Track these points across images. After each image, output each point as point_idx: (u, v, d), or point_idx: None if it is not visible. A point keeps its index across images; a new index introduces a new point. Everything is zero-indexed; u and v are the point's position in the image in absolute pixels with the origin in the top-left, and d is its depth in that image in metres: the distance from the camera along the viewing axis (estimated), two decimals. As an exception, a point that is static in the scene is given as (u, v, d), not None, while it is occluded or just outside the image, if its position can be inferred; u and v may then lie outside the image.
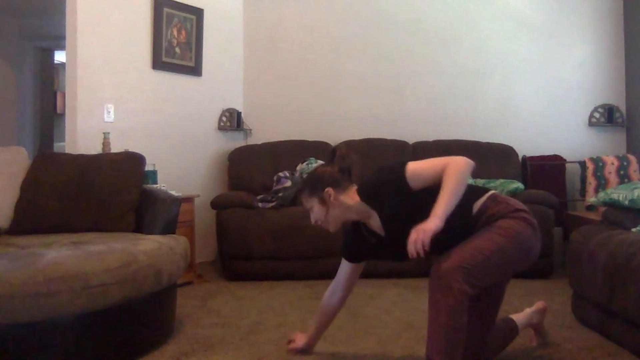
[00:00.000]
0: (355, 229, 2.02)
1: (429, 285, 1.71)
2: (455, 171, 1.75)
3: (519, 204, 1.87)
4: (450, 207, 1.72)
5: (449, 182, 1.74)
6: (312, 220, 1.99)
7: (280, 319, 2.73)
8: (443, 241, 1.74)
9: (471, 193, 1.85)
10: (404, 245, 1.74)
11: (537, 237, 1.84)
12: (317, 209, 1.94)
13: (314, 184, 1.95)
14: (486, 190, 1.91)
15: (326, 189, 1.90)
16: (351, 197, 1.93)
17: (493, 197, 1.86)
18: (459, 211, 1.77)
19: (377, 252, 1.99)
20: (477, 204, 1.84)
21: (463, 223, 1.81)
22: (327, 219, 1.94)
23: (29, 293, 1.81)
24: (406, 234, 1.74)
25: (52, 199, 2.68)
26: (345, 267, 2.11)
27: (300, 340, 2.23)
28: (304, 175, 3.96)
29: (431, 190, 1.78)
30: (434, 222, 1.70)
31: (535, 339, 2.29)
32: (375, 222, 1.92)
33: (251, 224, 3.60)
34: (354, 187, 1.96)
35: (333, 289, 2.15)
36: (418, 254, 1.69)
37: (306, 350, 2.22)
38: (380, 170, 1.97)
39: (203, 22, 4.28)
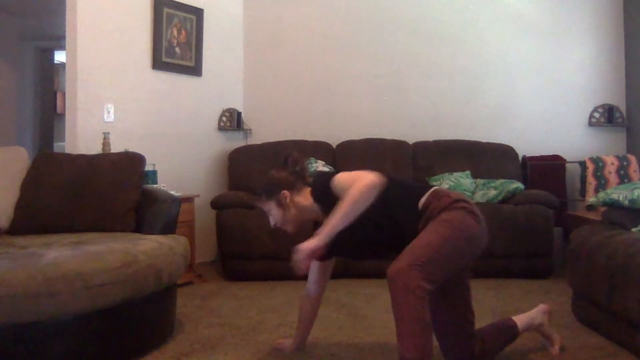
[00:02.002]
0: (315, 228, 2.05)
1: (389, 290, 1.70)
2: (355, 192, 1.78)
3: (459, 195, 1.92)
4: (337, 228, 1.78)
5: (343, 204, 1.79)
6: (272, 223, 2.05)
7: (280, 319, 2.73)
8: (396, 243, 1.83)
9: (414, 192, 1.93)
10: (355, 243, 1.90)
11: (480, 224, 1.87)
12: (274, 211, 2.01)
13: (270, 188, 2.01)
14: (429, 187, 1.97)
15: (282, 192, 1.98)
16: (305, 198, 2.00)
17: (435, 193, 1.91)
18: (405, 212, 1.87)
19: (335, 250, 2.03)
20: (421, 202, 1.89)
21: (410, 222, 1.87)
22: (285, 220, 2.01)
23: (29, 293, 1.81)
24: (352, 234, 1.84)
25: (52, 199, 2.67)
26: (313, 266, 2.17)
27: (286, 344, 2.26)
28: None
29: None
30: (313, 242, 1.78)
31: (549, 344, 2.25)
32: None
33: (251, 224, 3.60)
34: (308, 189, 2.02)
35: (307, 290, 2.23)
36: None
37: (297, 348, 2.24)
38: (321, 175, 2.09)
39: (203, 22, 4.28)
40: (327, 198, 1.89)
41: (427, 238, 1.77)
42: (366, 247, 1.99)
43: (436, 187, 1.96)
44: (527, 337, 2.32)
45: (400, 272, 1.68)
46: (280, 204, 1.99)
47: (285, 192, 1.98)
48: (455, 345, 1.98)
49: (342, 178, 1.88)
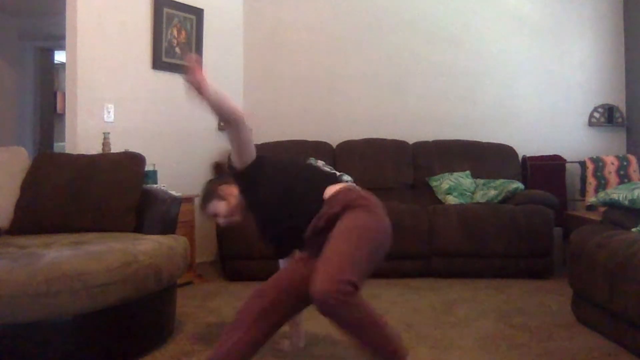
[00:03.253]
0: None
1: (324, 314, 1.60)
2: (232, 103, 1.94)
3: (362, 192, 1.92)
4: (211, 94, 1.92)
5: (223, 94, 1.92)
6: (221, 222, 2.10)
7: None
8: (299, 222, 1.88)
9: (326, 178, 2.00)
10: (265, 221, 2.02)
11: (381, 220, 1.84)
12: (220, 207, 2.06)
13: (208, 193, 2.11)
14: (340, 180, 2.01)
15: (218, 187, 2.07)
16: (235, 187, 2.07)
17: (348, 187, 1.93)
18: (311, 192, 1.92)
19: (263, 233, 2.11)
20: (330, 190, 1.91)
21: (313, 202, 1.89)
22: (231, 210, 2.05)
23: (29, 293, 1.81)
24: (265, 214, 1.98)
25: (52, 199, 2.67)
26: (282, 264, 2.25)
27: (286, 344, 2.27)
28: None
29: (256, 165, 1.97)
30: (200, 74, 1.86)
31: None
32: None
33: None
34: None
35: None
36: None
37: (295, 347, 2.24)
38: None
39: (203, 22, 4.28)
40: (234, 174, 1.99)
41: (343, 248, 1.68)
42: (274, 225, 2.01)
43: (349, 183, 2.01)
44: (528, 336, 2.32)
45: (330, 293, 1.55)
46: (221, 197, 2.05)
47: (222, 186, 2.06)
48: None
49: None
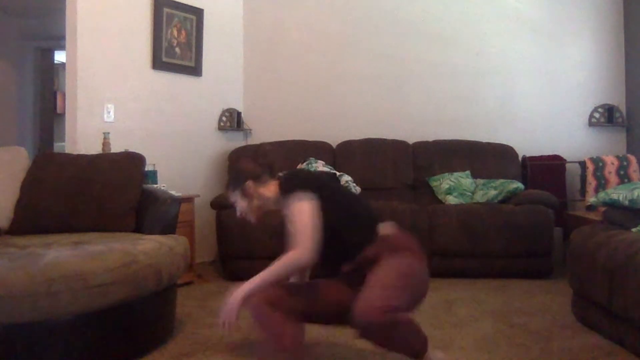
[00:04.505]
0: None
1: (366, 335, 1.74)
2: (284, 262, 1.82)
3: (407, 241, 1.98)
4: (257, 288, 1.83)
5: (275, 266, 1.83)
6: (238, 214, 2.09)
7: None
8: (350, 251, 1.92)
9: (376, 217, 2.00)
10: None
11: (423, 269, 1.94)
12: (240, 201, 2.04)
13: (236, 179, 2.05)
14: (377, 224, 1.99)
15: (247, 182, 2.01)
16: (270, 190, 2.03)
17: (400, 231, 2.00)
18: (368, 226, 1.95)
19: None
20: (384, 229, 1.97)
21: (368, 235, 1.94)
22: (248, 210, 2.04)
23: (29, 293, 1.81)
24: None
25: (52, 199, 2.67)
26: None
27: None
28: (304, 175, 3.95)
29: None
30: (242, 290, 1.83)
31: None
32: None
33: (251, 223, 3.59)
34: (275, 181, 2.05)
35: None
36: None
37: None
38: (298, 175, 2.10)
39: (203, 22, 4.28)
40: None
41: (389, 276, 1.78)
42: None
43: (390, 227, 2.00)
44: (532, 339, 2.32)
45: (374, 319, 1.67)
46: (245, 194, 2.02)
47: (250, 183, 2.01)
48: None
49: (295, 217, 1.86)
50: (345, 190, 2.25)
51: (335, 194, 1.98)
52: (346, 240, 1.92)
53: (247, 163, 2.18)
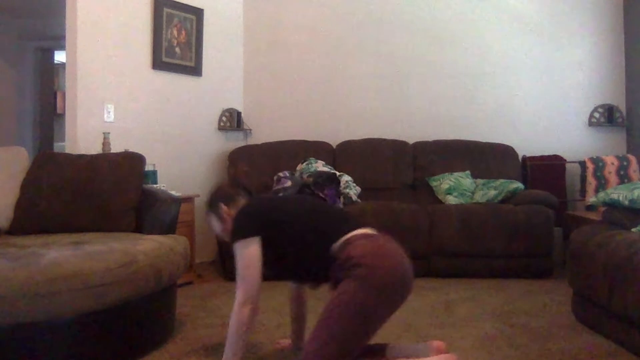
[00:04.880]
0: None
1: None
2: (231, 328, 1.89)
3: (362, 253, 1.77)
4: (235, 353, 1.86)
5: (228, 341, 1.89)
6: (215, 234, 2.14)
7: (280, 319, 2.73)
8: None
9: (325, 238, 1.85)
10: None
11: (372, 292, 1.71)
12: (215, 223, 2.09)
13: (211, 202, 2.10)
14: (347, 229, 1.86)
15: (220, 205, 2.04)
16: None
17: (357, 244, 1.80)
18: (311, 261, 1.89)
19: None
20: (334, 248, 1.82)
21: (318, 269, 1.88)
22: (223, 232, 2.07)
23: (29, 293, 1.81)
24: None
25: (52, 199, 2.67)
26: None
27: (286, 344, 2.28)
28: (304, 176, 3.96)
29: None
30: None
31: None
32: None
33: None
34: (245, 201, 2.07)
35: (290, 290, 2.27)
36: None
37: (296, 347, 2.24)
38: (247, 214, 1.98)
39: (203, 22, 4.28)
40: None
41: (325, 328, 1.70)
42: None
43: (350, 236, 1.83)
44: (529, 337, 2.32)
45: None
46: (219, 217, 2.05)
47: (222, 206, 2.03)
48: None
49: (237, 263, 1.87)
50: (302, 208, 2.00)
51: (284, 227, 1.89)
52: (306, 267, 1.93)
53: (224, 186, 2.22)
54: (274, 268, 1.96)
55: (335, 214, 2.05)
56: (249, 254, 1.86)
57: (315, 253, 1.87)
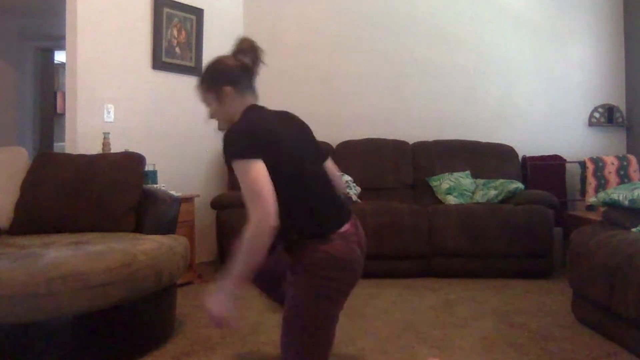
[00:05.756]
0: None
1: None
2: (246, 243, 1.58)
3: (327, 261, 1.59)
4: (242, 276, 1.63)
5: (238, 254, 1.63)
6: (208, 116, 1.89)
7: (280, 319, 2.72)
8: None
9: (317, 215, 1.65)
10: None
11: (322, 301, 1.60)
12: (213, 104, 1.83)
13: (213, 79, 1.83)
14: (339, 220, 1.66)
15: (223, 87, 1.80)
16: (242, 104, 1.81)
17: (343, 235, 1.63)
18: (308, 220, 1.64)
19: None
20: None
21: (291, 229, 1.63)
22: (219, 116, 1.84)
23: (29, 293, 1.81)
24: None
25: (52, 199, 2.67)
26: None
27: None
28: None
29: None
30: (218, 302, 1.63)
31: None
32: None
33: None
34: (249, 98, 1.84)
35: None
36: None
37: None
38: (235, 130, 1.66)
39: (203, 22, 4.28)
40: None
41: (283, 337, 1.63)
42: None
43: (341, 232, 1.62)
44: (528, 336, 2.32)
45: None
46: (219, 99, 1.80)
47: (227, 89, 1.79)
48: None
49: (241, 181, 1.54)
50: (314, 175, 1.77)
51: (282, 159, 1.63)
52: (288, 211, 1.58)
53: (229, 61, 1.90)
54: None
55: (338, 203, 1.76)
56: (255, 167, 1.53)
57: (302, 222, 1.63)
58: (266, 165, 1.56)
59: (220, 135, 4.53)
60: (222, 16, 4.51)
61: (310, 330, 1.61)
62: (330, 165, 1.94)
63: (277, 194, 1.54)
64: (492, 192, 3.86)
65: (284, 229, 1.57)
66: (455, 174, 4.14)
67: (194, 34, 4.22)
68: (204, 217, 4.01)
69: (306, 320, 1.61)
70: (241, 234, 1.57)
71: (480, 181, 4.10)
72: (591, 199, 2.84)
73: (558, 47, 4.55)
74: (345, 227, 1.66)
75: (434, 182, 4.18)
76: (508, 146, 4.35)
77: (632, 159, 4.10)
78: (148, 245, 2.28)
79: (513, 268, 3.59)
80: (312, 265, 1.59)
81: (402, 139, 4.44)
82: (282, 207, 1.54)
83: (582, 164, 4.18)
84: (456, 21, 4.60)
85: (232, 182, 4.30)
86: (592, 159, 4.15)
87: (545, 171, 4.26)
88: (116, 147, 3.41)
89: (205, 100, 1.86)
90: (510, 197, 3.83)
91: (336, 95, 4.68)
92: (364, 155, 4.33)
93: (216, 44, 4.45)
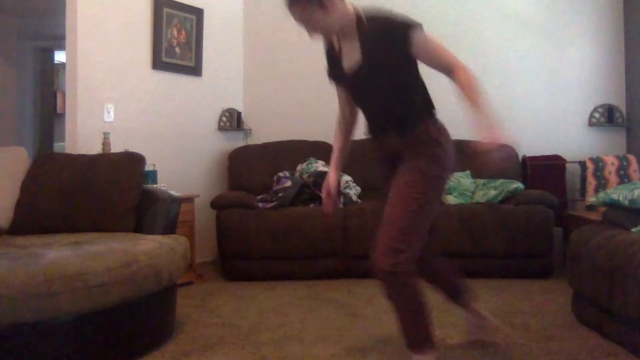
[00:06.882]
0: (330, 49, 2.13)
1: (379, 281, 1.79)
2: (476, 84, 1.93)
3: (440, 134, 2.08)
4: (490, 110, 1.91)
5: (479, 96, 1.96)
6: (312, 32, 1.99)
7: (280, 319, 2.73)
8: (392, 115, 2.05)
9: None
10: (363, 90, 2.05)
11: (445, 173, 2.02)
12: (317, 15, 1.88)
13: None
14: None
15: None
16: (344, 8, 1.90)
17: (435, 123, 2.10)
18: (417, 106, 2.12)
19: (342, 80, 2.16)
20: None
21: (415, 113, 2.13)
22: (327, 25, 1.91)
23: (29, 293, 1.81)
24: (370, 83, 1.96)
25: (52, 199, 2.68)
26: (340, 92, 2.33)
27: (332, 179, 2.27)
28: (304, 176, 3.96)
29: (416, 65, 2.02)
30: (498, 129, 1.88)
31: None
32: (351, 47, 1.97)
33: (251, 224, 3.60)
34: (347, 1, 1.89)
35: (343, 113, 2.37)
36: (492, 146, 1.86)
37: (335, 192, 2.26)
38: (393, 16, 1.95)
39: (203, 22, 4.28)
40: (392, 42, 1.93)
41: (397, 213, 1.82)
42: (372, 100, 2.07)
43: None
44: (528, 337, 2.32)
45: (384, 266, 1.72)
46: (323, 6, 1.85)
47: None
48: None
49: (434, 46, 2.01)
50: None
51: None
52: (414, 100, 2.06)
53: None
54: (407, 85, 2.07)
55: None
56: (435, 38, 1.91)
57: (426, 104, 2.13)
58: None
59: (220, 135, 4.53)
60: (222, 16, 4.51)
61: (427, 210, 1.88)
62: None
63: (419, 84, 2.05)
64: (492, 192, 3.85)
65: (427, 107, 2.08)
66: (455, 174, 4.14)
67: (194, 34, 4.22)
68: (204, 217, 4.01)
69: (424, 201, 1.86)
70: (458, 76, 2.01)
71: (480, 181, 4.09)
72: (591, 199, 2.83)
73: (558, 47, 4.54)
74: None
75: (434, 182, 4.17)
76: (508, 146, 4.34)
77: (632, 159, 4.09)
78: (148, 245, 2.28)
79: (513, 268, 3.58)
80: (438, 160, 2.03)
81: (402, 139, 4.44)
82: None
83: (582, 164, 4.18)
84: (456, 21, 4.60)
85: (232, 182, 4.30)
86: (592, 159, 4.15)
87: (545, 171, 4.26)
88: (116, 147, 3.41)
89: (304, 16, 1.91)
90: (510, 197, 3.82)
91: (336, 95, 4.67)
92: (364, 155, 4.32)
93: (216, 44, 4.45)
